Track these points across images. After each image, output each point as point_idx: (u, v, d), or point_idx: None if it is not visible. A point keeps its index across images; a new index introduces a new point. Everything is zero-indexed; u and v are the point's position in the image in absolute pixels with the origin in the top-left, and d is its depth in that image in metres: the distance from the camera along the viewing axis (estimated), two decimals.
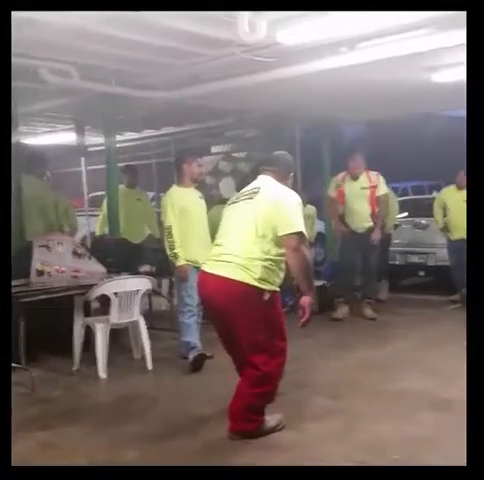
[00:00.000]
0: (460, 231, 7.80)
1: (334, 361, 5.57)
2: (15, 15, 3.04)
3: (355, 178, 7.41)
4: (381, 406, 4.37)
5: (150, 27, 4.76)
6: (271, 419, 3.90)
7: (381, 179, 7.48)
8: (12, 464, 2.64)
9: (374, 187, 7.39)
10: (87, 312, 5.69)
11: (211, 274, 3.80)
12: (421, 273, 9.05)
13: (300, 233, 3.68)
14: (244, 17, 4.47)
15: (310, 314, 3.75)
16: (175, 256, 5.40)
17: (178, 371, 5.36)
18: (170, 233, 5.42)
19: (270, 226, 3.69)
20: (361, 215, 7.40)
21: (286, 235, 3.67)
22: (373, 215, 7.39)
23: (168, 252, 5.45)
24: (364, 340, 6.33)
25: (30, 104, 6.72)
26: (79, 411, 4.52)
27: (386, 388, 4.73)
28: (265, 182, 3.92)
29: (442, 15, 4.48)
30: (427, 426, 3.96)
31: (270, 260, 3.70)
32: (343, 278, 7.64)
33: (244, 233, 3.76)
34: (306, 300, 3.75)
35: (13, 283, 4.58)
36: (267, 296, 3.71)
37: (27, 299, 5.00)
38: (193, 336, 5.44)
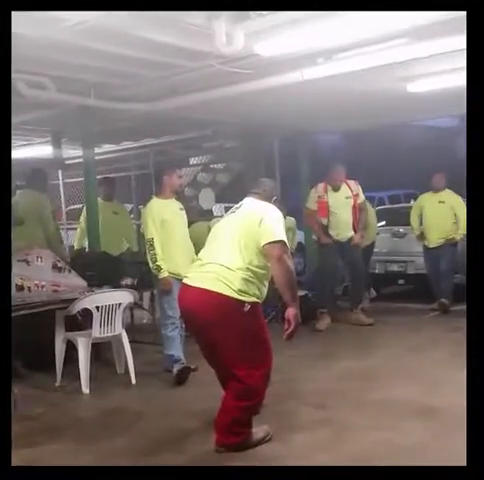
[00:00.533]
0: (436, 236, 7.93)
1: (319, 371, 5.56)
2: None
3: (337, 189, 7.44)
4: (367, 415, 4.37)
5: (128, 39, 4.74)
6: (258, 431, 3.88)
7: (359, 187, 7.55)
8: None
9: (356, 195, 7.46)
10: (69, 326, 5.61)
11: (190, 286, 3.82)
12: (401, 281, 9.11)
13: (282, 242, 3.71)
14: (222, 29, 4.48)
15: (296, 326, 3.73)
16: (158, 268, 5.36)
17: (162, 385, 5.32)
18: (152, 245, 5.39)
19: (252, 238, 3.73)
20: (347, 224, 7.44)
21: (268, 243, 3.69)
22: (355, 222, 7.44)
23: (150, 264, 5.41)
24: (348, 349, 6.33)
25: None
26: (63, 427, 4.45)
27: (372, 397, 4.74)
28: (249, 201, 4.02)
29: (418, 25, 4.54)
30: (414, 434, 3.96)
31: (251, 271, 3.71)
32: (324, 287, 7.65)
33: (226, 244, 3.80)
34: (291, 311, 3.74)
35: None
36: (247, 308, 3.71)
37: None
38: (177, 349, 5.40)
